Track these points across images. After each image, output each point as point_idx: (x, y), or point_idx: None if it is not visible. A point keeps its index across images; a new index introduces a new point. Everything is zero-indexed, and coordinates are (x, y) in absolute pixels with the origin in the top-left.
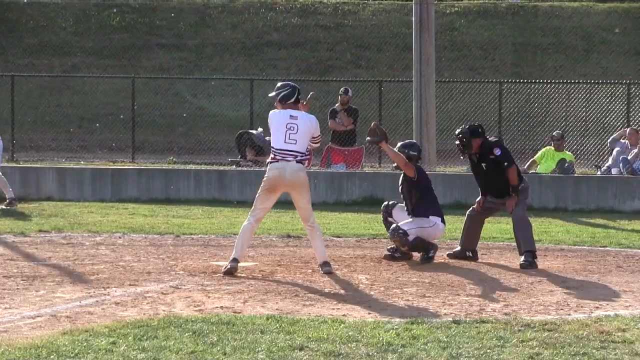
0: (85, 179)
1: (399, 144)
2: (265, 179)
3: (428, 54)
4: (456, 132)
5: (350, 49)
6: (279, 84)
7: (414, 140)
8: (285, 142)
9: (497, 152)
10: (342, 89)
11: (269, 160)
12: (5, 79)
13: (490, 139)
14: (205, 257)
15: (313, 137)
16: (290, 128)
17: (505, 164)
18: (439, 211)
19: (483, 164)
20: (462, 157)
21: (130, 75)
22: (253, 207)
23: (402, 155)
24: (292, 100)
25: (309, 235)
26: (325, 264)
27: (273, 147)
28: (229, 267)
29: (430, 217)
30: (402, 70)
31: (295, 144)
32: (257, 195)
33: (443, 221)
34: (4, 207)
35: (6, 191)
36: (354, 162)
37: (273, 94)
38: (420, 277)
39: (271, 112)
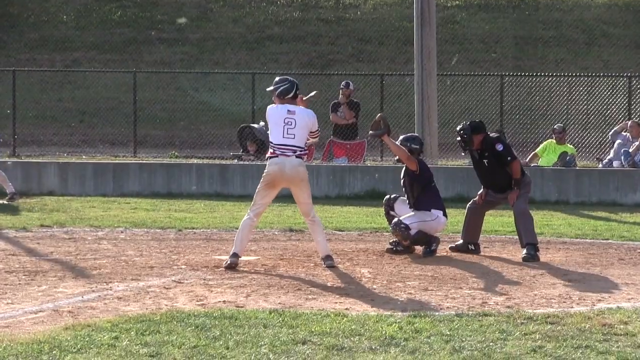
0: (87, 174)
1: (401, 137)
2: (265, 174)
3: (429, 48)
4: (457, 128)
5: (352, 43)
6: (277, 79)
7: (416, 134)
8: (283, 137)
9: (500, 147)
10: (343, 82)
11: (268, 155)
12: (7, 73)
13: (491, 134)
14: (208, 252)
15: (311, 132)
16: (288, 123)
17: (509, 158)
18: (441, 204)
19: (485, 160)
20: (463, 154)
21: (132, 69)
22: (253, 202)
23: (404, 149)
24: (291, 95)
25: (310, 229)
26: (328, 257)
27: (272, 142)
28: (229, 262)
29: (432, 211)
30: (404, 64)
31: (294, 138)
32: (257, 190)
33: (445, 214)
34: (5, 202)
35: (6, 186)
36: (356, 155)
37: (271, 88)
38: (423, 270)
39: (269, 107)
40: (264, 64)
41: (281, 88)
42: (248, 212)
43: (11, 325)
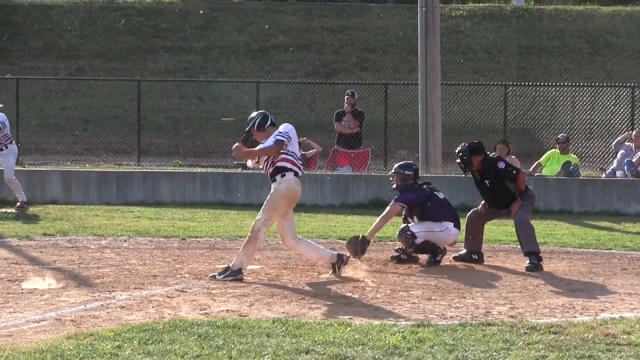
0: (91, 182)
1: (395, 166)
2: (290, 190)
3: (433, 57)
4: (456, 151)
5: (356, 52)
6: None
7: (410, 161)
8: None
9: (502, 165)
10: (348, 91)
11: (290, 167)
12: (11, 81)
13: (490, 155)
14: (211, 261)
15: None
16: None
17: (514, 172)
18: (450, 216)
19: (486, 181)
20: (464, 175)
21: (136, 78)
22: (269, 217)
23: (385, 217)
24: (269, 123)
25: (302, 249)
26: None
27: (296, 156)
28: (240, 277)
29: (443, 222)
30: (408, 73)
31: None
32: (276, 206)
33: (457, 226)
34: (15, 210)
35: (19, 194)
36: (360, 164)
37: (251, 127)
38: (427, 280)
39: (288, 124)
40: (268, 72)
41: (258, 121)
42: (262, 228)
43: (14, 334)
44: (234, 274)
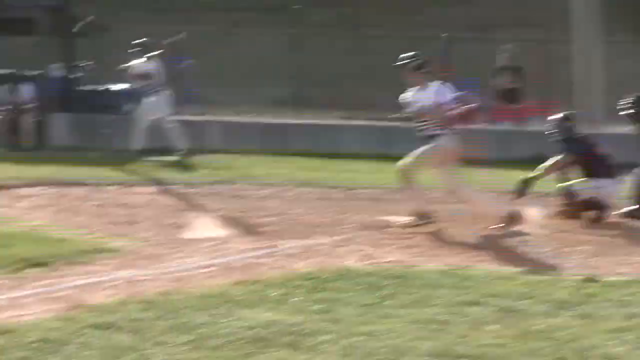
0: (252, 133)
1: (553, 117)
2: (452, 149)
3: (593, 14)
4: (624, 102)
5: (513, 7)
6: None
7: (568, 111)
8: None
9: None
10: (505, 46)
11: (451, 126)
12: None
13: None
14: (375, 212)
15: None
16: None
17: None
18: (614, 171)
19: None
20: (633, 128)
21: (294, 30)
22: (420, 163)
23: (553, 166)
24: (427, 69)
25: (474, 201)
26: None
27: (459, 115)
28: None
29: (605, 178)
30: (567, 30)
31: None
32: (432, 158)
33: (621, 182)
34: (177, 158)
35: (179, 142)
36: (520, 119)
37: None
38: (592, 236)
39: (448, 83)
40: (423, 26)
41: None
42: (412, 172)
43: (184, 279)
44: (420, 220)
